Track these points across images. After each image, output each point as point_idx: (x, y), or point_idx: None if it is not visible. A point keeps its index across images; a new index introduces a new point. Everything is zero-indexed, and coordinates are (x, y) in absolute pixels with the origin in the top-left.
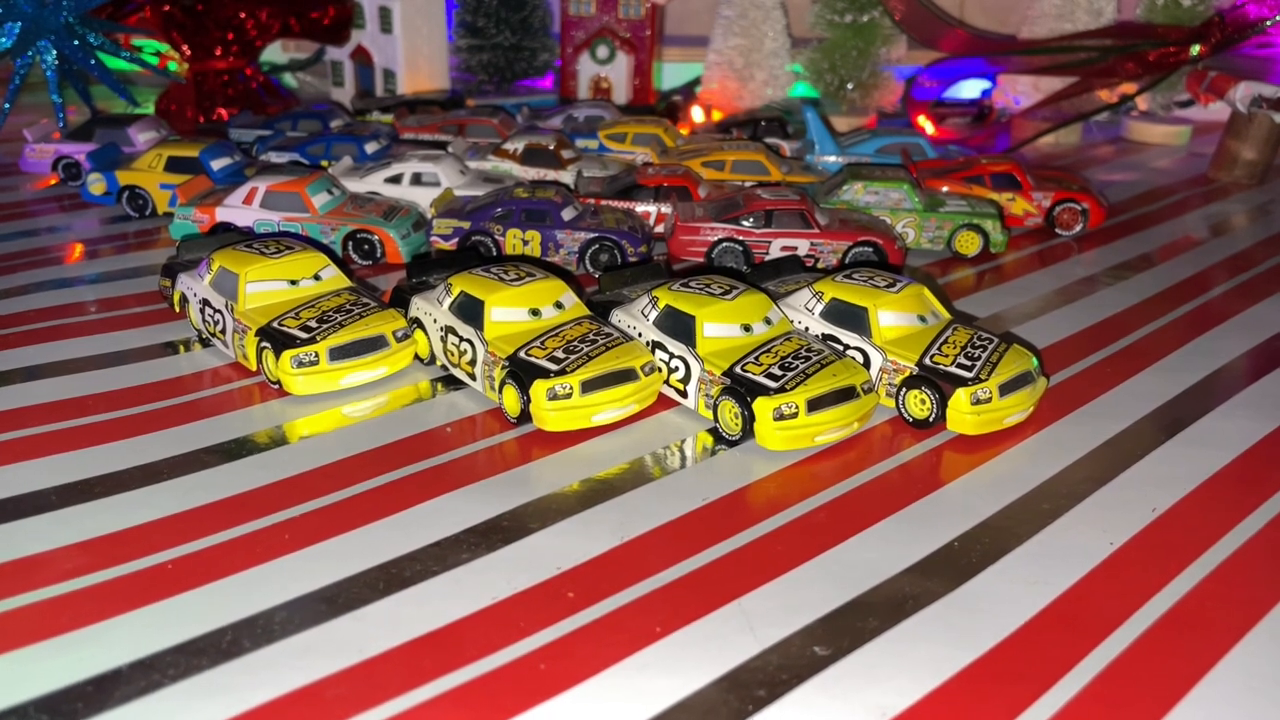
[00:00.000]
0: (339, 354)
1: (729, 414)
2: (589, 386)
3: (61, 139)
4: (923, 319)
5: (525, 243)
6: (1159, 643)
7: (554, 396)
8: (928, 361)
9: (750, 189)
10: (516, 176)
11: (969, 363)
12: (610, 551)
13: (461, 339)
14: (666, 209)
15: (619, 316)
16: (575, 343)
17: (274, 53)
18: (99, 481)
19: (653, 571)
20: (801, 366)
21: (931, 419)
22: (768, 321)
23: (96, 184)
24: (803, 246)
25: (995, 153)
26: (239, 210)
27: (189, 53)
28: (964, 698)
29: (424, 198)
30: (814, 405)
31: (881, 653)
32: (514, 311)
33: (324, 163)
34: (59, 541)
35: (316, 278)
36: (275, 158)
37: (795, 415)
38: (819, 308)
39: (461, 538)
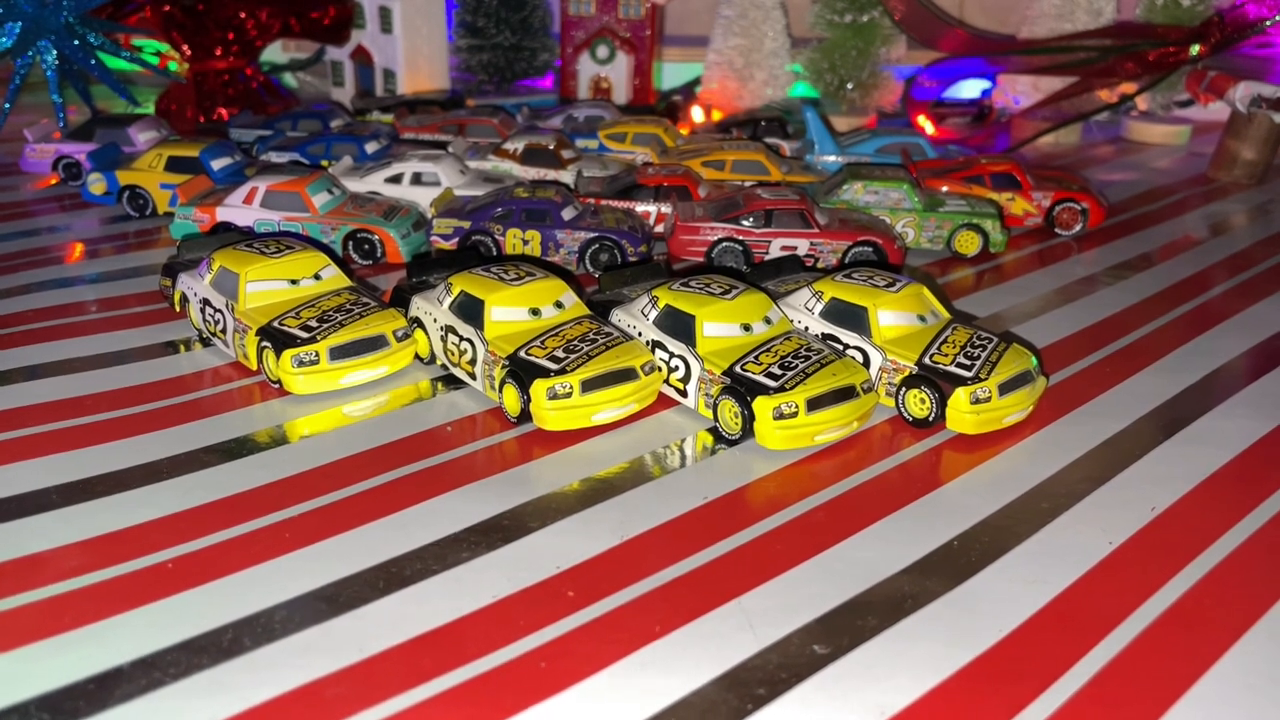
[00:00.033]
0: (339, 353)
1: (729, 413)
2: (589, 386)
3: (62, 139)
4: (922, 318)
5: (525, 242)
6: (1158, 641)
7: (554, 396)
8: (927, 361)
9: (750, 189)
10: (516, 176)
11: (968, 362)
12: (610, 550)
13: (462, 338)
14: (666, 209)
15: (619, 316)
16: (575, 342)
17: (274, 53)
18: (100, 481)
19: (652, 570)
20: (801, 366)
21: (931, 418)
22: (767, 321)
23: (97, 184)
24: (802, 246)
25: (995, 152)
26: (239, 210)
27: (189, 53)
28: (963, 696)
29: (424, 197)
30: (813, 404)
31: (881, 651)
32: (514, 311)
33: (324, 162)
34: (60, 540)
35: (317, 277)
36: (275, 157)
37: (795, 414)
38: (819, 307)
39: (461, 537)
